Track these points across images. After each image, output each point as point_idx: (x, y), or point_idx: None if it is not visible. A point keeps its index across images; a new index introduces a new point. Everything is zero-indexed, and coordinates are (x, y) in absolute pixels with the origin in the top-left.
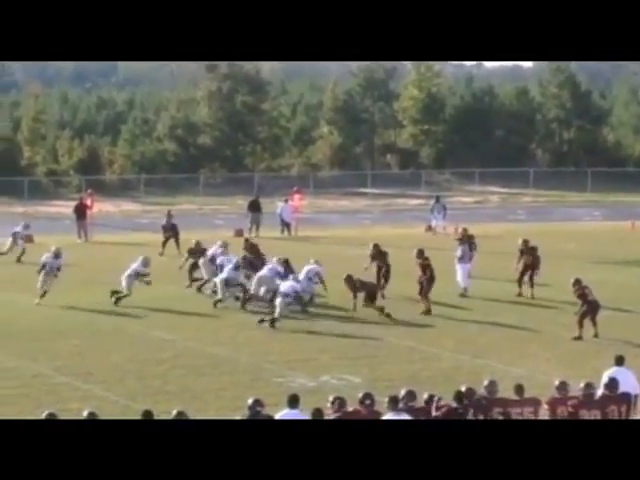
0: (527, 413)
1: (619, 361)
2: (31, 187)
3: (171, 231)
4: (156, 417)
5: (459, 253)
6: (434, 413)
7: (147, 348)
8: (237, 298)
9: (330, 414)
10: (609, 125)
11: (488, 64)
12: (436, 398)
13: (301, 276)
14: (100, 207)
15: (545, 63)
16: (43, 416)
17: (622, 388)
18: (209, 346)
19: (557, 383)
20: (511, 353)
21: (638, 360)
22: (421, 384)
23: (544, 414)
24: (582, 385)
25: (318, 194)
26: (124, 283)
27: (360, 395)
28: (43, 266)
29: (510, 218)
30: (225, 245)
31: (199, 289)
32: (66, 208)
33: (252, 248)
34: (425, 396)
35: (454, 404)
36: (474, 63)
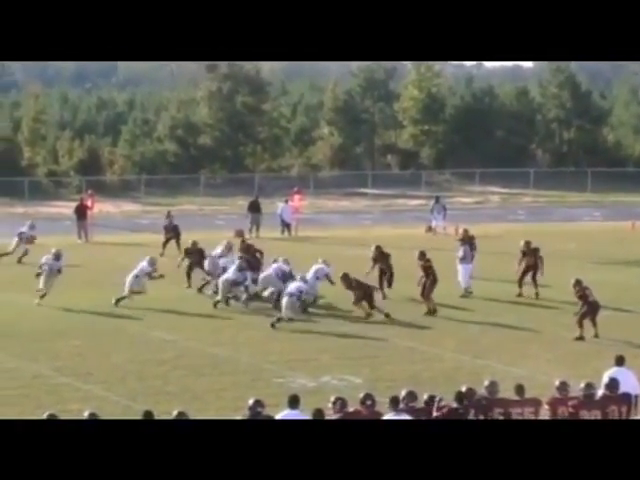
0: (528, 413)
1: (619, 361)
2: (31, 188)
3: (172, 232)
4: (157, 418)
5: (461, 253)
6: (435, 414)
7: (148, 349)
8: (236, 298)
9: (331, 414)
10: (609, 125)
11: (488, 64)
12: (437, 399)
13: (309, 276)
14: (100, 208)
15: (545, 63)
16: (44, 417)
17: (623, 388)
18: (209, 346)
19: (558, 383)
20: (512, 353)
21: (638, 360)
22: (422, 385)
23: (545, 414)
24: (582, 385)
25: (318, 194)
26: (129, 283)
27: (361, 396)
28: (42, 267)
29: (510, 218)
30: (230, 246)
31: (200, 290)
32: (66, 209)
33: (248, 249)
34: (425, 397)
35: (455, 404)
36: (474, 63)
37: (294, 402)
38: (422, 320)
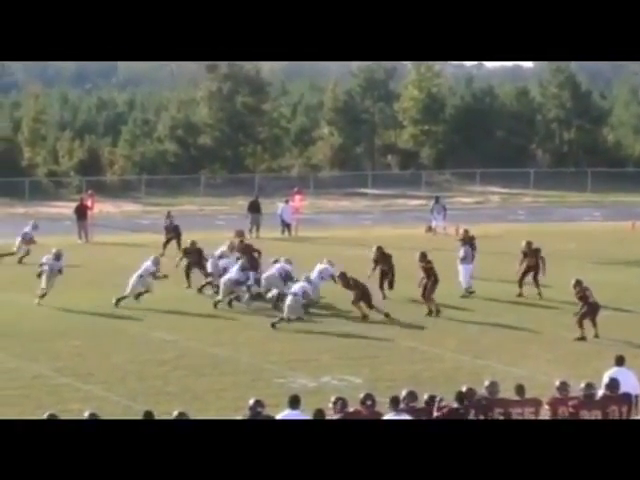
0: (528, 413)
1: (620, 361)
2: (32, 188)
3: (173, 232)
4: (157, 418)
5: (462, 254)
6: (435, 414)
7: (148, 349)
8: (238, 298)
9: (332, 415)
10: (609, 125)
11: (488, 64)
12: (438, 399)
13: (313, 276)
14: (101, 208)
15: (545, 63)
16: (44, 417)
17: (623, 388)
18: (210, 347)
19: (558, 383)
20: (512, 354)
21: (638, 360)
22: (422, 385)
23: (545, 414)
24: (583, 385)
25: (318, 195)
26: (133, 283)
27: (361, 396)
28: (42, 267)
29: (510, 218)
30: (233, 247)
31: (200, 290)
32: (67, 209)
33: (246, 249)
34: (425, 397)
35: (455, 405)
36: (474, 63)
37: (294, 402)
38: (422, 320)
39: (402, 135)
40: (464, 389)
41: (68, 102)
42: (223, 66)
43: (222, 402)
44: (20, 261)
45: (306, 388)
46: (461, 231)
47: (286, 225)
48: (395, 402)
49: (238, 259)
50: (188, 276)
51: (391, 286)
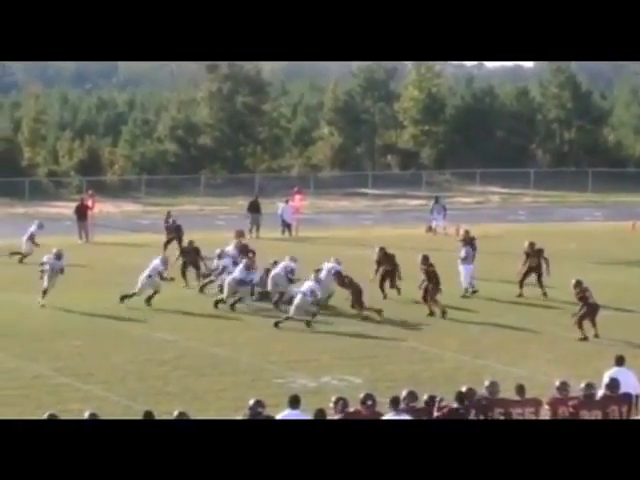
0: (528, 413)
1: (620, 361)
2: (32, 188)
3: (175, 232)
4: (157, 418)
5: (463, 254)
6: (435, 414)
7: (148, 349)
8: (241, 300)
9: (333, 415)
10: (610, 125)
11: (488, 64)
12: (438, 399)
13: (322, 275)
14: (101, 208)
15: (546, 63)
16: (44, 417)
17: (623, 388)
18: (210, 347)
19: (558, 383)
20: (512, 354)
21: (639, 360)
22: (422, 385)
23: (545, 414)
24: (583, 385)
25: (319, 195)
26: (141, 283)
27: (361, 396)
28: (43, 266)
29: (511, 218)
30: (239, 246)
31: (201, 289)
32: (67, 209)
33: (241, 249)
34: (425, 397)
35: (455, 405)
36: (474, 63)
37: (294, 402)
38: (422, 320)
39: (402, 135)
40: (464, 389)
41: (68, 102)
42: (223, 66)
43: (222, 402)
44: (21, 261)
45: (306, 388)
46: (462, 231)
47: (286, 225)
48: (395, 402)
49: (235, 258)
50: (184, 275)
51: (392, 284)
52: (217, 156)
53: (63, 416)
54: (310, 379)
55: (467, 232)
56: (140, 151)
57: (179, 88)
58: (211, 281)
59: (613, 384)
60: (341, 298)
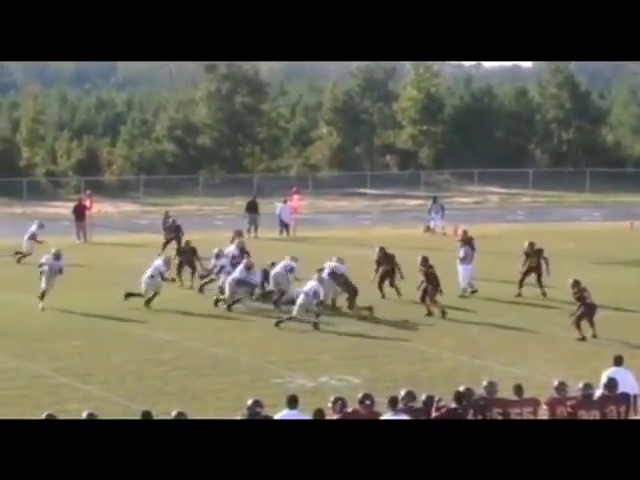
0: (526, 413)
1: (618, 361)
2: (30, 188)
3: (174, 232)
4: (156, 418)
5: (462, 254)
6: (434, 414)
7: (147, 349)
8: (239, 301)
9: (331, 415)
10: (608, 125)
11: (487, 64)
12: (436, 399)
13: (325, 274)
14: (99, 208)
15: (544, 63)
16: (43, 417)
17: (621, 388)
18: (209, 347)
19: (556, 383)
20: (510, 354)
21: (637, 360)
22: (421, 385)
23: (543, 414)
24: (581, 385)
25: (317, 195)
26: (145, 284)
27: (360, 396)
28: (42, 267)
29: (509, 218)
30: (242, 246)
31: (201, 289)
32: (65, 209)
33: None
34: (423, 397)
35: (453, 405)
36: (473, 63)
37: (293, 402)
38: (421, 320)
39: (401, 135)
40: (462, 389)
41: (67, 102)
42: (222, 66)
43: (221, 402)
44: (19, 261)
45: (305, 388)
46: (460, 231)
47: (284, 225)
48: (394, 402)
49: (234, 258)
50: (180, 275)
51: (392, 284)
52: (216, 156)
53: (62, 416)
54: (309, 379)
55: (465, 232)
56: (138, 151)
57: (178, 88)
58: (212, 280)
59: (611, 384)
60: (340, 298)
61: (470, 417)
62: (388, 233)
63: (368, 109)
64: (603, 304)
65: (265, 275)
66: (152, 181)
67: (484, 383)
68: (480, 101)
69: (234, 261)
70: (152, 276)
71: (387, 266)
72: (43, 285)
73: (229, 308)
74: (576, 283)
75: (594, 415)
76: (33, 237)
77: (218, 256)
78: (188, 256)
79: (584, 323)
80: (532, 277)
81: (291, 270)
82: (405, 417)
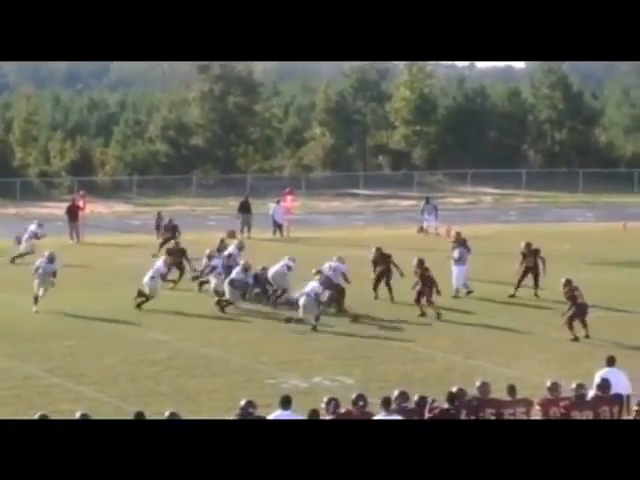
0: (519, 414)
1: (611, 362)
2: (23, 188)
3: (171, 231)
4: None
5: (456, 255)
6: (427, 415)
7: (140, 349)
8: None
9: (325, 415)
10: (601, 126)
11: (480, 65)
12: (429, 400)
13: (328, 274)
14: (92, 208)
15: (537, 64)
16: (35, 418)
17: (614, 389)
18: (202, 347)
19: (549, 384)
20: (504, 354)
21: (630, 361)
22: (414, 385)
23: (536, 415)
24: (574, 386)
25: (310, 195)
26: (146, 285)
27: (353, 396)
28: (37, 270)
29: (502, 219)
30: (241, 246)
31: (200, 288)
32: (58, 209)
33: (225, 250)
34: (416, 397)
35: (446, 405)
36: (466, 64)
37: (286, 403)
38: (414, 320)
39: (394, 136)
40: (455, 390)
41: (60, 103)
42: (215, 67)
43: (214, 403)
44: (12, 261)
45: (298, 389)
46: (453, 233)
47: (278, 226)
48: (387, 403)
49: (230, 257)
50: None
51: (387, 284)
52: (208, 156)
53: (54, 417)
54: (302, 380)
55: (459, 234)
56: (131, 152)
57: (171, 89)
58: (207, 281)
59: (604, 384)
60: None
61: (463, 417)
62: (381, 234)
63: (361, 109)
64: (596, 304)
65: (256, 279)
66: (145, 181)
67: (477, 384)
68: (473, 102)
69: (230, 261)
70: (152, 277)
71: (383, 266)
72: (36, 289)
73: (222, 309)
74: (568, 282)
75: (587, 416)
76: (34, 236)
77: (210, 257)
78: (176, 257)
79: (576, 323)
80: (528, 278)
81: (289, 269)
82: (398, 417)
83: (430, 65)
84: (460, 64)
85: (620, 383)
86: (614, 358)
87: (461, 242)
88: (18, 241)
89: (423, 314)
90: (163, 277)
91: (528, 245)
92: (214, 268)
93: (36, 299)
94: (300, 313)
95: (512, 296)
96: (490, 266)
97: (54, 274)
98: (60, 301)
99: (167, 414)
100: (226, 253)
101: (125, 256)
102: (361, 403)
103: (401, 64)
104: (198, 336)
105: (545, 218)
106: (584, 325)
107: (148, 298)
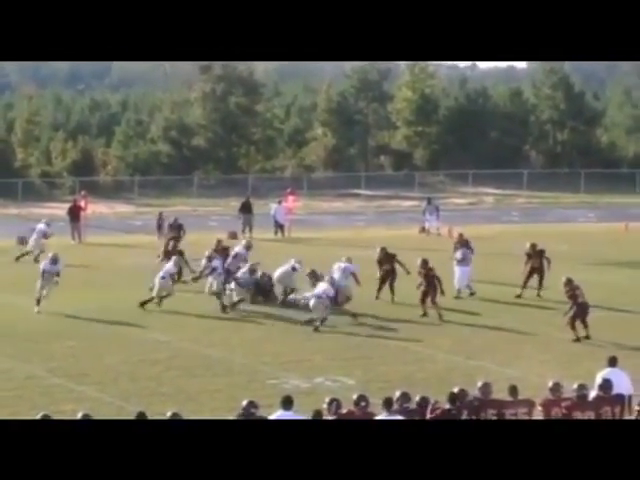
0: (521, 414)
1: (612, 362)
2: (25, 189)
3: (176, 230)
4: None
5: (459, 256)
6: (428, 416)
7: (142, 349)
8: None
9: (326, 416)
10: (603, 126)
11: (482, 65)
12: (432, 401)
13: (336, 275)
14: (94, 209)
15: (539, 64)
16: (37, 418)
17: (616, 389)
18: (203, 347)
19: (551, 384)
20: (505, 354)
21: (631, 361)
22: (415, 386)
23: (538, 415)
24: (575, 386)
25: (312, 195)
26: (158, 285)
27: (355, 397)
28: (44, 275)
29: (504, 219)
30: (249, 246)
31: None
32: (60, 210)
33: (223, 251)
34: (417, 398)
35: (447, 406)
36: (468, 64)
37: (287, 403)
38: (415, 321)
39: (395, 136)
40: (456, 390)
41: (61, 103)
42: (217, 67)
43: (216, 403)
44: (17, 259)
45: (299, 389)
46: (455, 234)
47: (279, 226)
48: (388, 403)
49: (236, 257)
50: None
51: (391, 284)
52: (210, 157)
53: (56, 417)
54: (303, 380)
55: (461, 235)
56: (133, 152)
57: (172, 89)
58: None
59: (606, 385)
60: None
61: (464, 418)
62: (383, 234)
63: (363, 110)
64: (597, 305)
65: (258, 285)
66: (147, 182)
67: (479, 384)
68: (475, 102)
69: (238, 260)
70: (163, 277)
71: (388, 266)
72: (39, 290)
73: (224, 309)
74: (569, 281)
75: (589, 416)
76: (43, 235)
77: (210, 258)
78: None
79: (578, 324)
80: (533, 279)
81: (294, 270)
82: (400, 418)
83: (432, 65)
84: (462, 64)
85: (622, 383)
86: (616, 358)
87: (464, 243)
88: (21, 241)
89: (425, 314)
90: (172, 277)
91: (533, 246)
92: (214, 269)
93: (38, 300)
94: (315, 315)
95: (518, 296)
96: (491, 267)
97: (57, 275)
98: (62, 301)
99: (169, 414)
100: (233, 252)
101: (127, 256)
102: (363, 404)
103: (403, 64)
104: (199, 336)
105: (547, 219)
106: (585, 325)
107: (151, 299)
